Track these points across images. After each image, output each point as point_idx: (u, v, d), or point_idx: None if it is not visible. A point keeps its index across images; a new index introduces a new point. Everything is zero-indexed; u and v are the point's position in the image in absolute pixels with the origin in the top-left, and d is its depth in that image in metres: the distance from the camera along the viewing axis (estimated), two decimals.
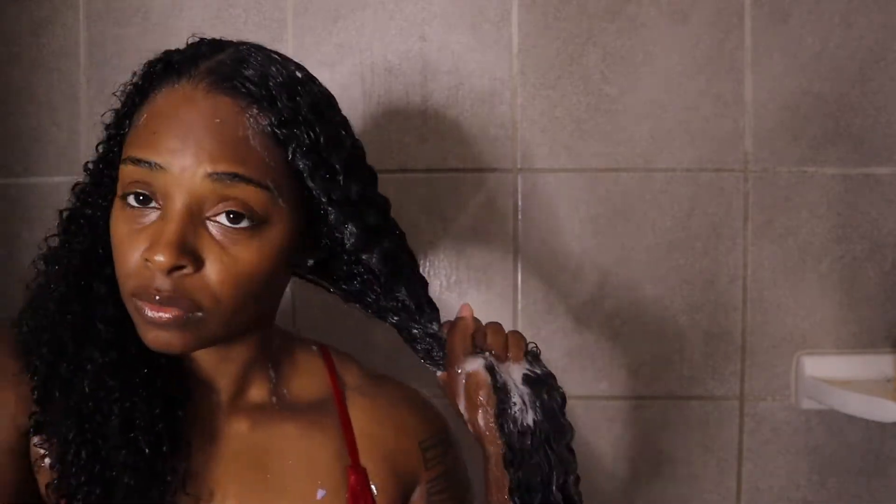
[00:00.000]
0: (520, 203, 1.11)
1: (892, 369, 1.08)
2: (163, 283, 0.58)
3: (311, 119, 0.62)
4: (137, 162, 0.59)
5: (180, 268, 0.58)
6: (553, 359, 1.12)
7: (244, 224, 0.59)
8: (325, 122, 0.64)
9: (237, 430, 0.69)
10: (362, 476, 0.72)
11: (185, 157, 0.58)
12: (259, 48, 0.65)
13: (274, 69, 0.63)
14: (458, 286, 1.11)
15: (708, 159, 1.10)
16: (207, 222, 0.59)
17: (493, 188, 1.10)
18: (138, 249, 0.59)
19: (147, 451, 0.61)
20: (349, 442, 0.73)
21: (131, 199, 0.60)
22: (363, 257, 0.67)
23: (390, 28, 1.10)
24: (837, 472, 1.12)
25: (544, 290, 1.11)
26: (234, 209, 0.59)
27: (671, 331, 1.11)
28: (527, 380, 0.69)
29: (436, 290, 1.10)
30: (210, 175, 0.58)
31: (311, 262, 0.69)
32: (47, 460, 0.61)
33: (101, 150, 0.68)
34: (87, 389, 0.61)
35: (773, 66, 1.09)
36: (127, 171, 0.60)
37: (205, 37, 0.67)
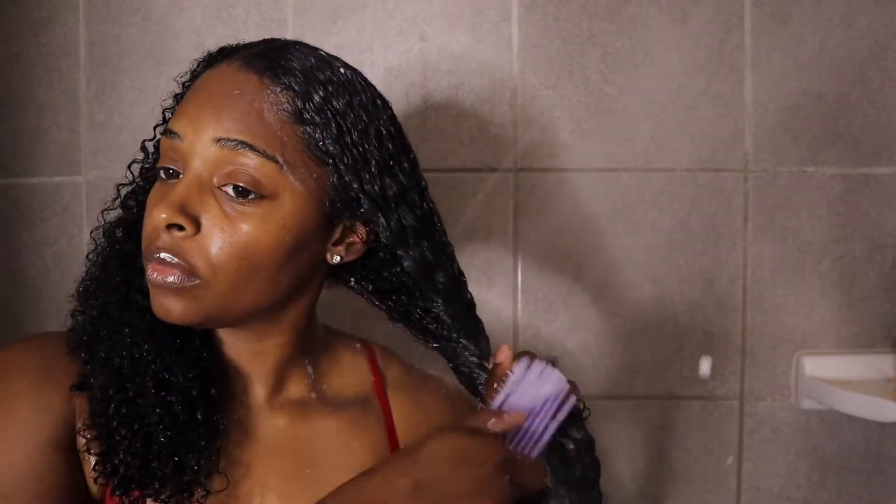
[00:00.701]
0: (520, 203, 1.11)
1: (892, 369, 1.08)
2: (163, 240, 0.61)
3: (343, 111, 0.63)
4: (165, 133, 0.64)
5: (180, 228, 0.60)
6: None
7: (250, 197, 0.61)
8: (361, 120, 0.64)
9: (277, 425, 0.70)
10: None
11: (198, 123, 0.61)
12: (311, 48, 0.66)
13: (315, 63, 0.64)
14: None
15: (708, 159, 1.10)
16: (217, 191, 0.61)
17: (493, 188, 1.10)
18: (156, 207, 0.62)
19: (180, 412, 0.63)
20: (391, 438, 0.73)
21: (162, 174, 0.64)
22: (399, 253, 0.67)
23: (390, 28, 1.10)
24: (837, 472, 1.12)
25: (544, 290, 1.11)
26: (239, 182, 0.60)
27: (671, 331, 1.11)
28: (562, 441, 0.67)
29: None
30: (217, 140, 0.61)
31: (339, 257, 0.68)
32: (92, 451, 0.62)
33: (158, 132, 0.70)
34: (125, 351, 0.64)
35: (773, 66, 1.09)
36: (161, 145, 0.65)
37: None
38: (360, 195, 0.64)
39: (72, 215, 1.12)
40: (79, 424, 0.63)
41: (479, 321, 0.70)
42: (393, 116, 0.68)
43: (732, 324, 1.11)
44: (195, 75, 0.67)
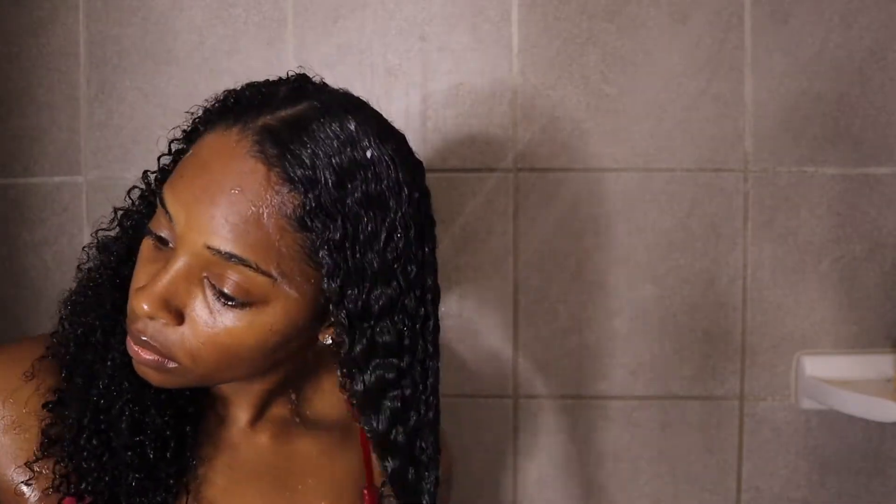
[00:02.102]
0: (520, 203, 1.11)
1: (892, 369, 1.08)
2: (143, 325, 0.58)
3: (355, 212, 0.57)
4: (161, 202, 0.58)
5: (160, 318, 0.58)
6: (553, 359, 1.12)
7: (237, 301, 0.57)
8: (373, 219, 0.58)
9: (258, 447, 0.69)
10: (375, 496, 0.72)
11: (192, 218, 0.56)
12: (340, 113, 0.59)
13: (337, 146, 0.57)
14: (458, 286, 1.11)
15: (708, 159, 1.10)
16: (205, 281, 0.57)
17: (493, 188, 1.10)
18: (142, 280, 0.59)
19: (152, 455, 0.62)
20: (367, 465, 0.73)
21: (154, 237, 0.59)
22: (354, 371, 0.61)
23: (390, 28, 1.10)
24: (837, 472, 1.12)
25: (544, 290, 1.11)
26: (225, 290, 0.57)
27: (671, 331, 1.11)
28: None
29: None
30: (209, 248, 0.56)
31: (331, 339, 0.63)
32: (31, 490, 0.62)
33: (163, 162, 0.66)
34: (103, 383, 0.62)
35: (773, 66, 1.09)
36: (158, 207, 0.59)
37: (302, 72, 0.64)
38: (336, 309, 0.59)
39: (72, 215, 1.12)
40: (18, 463, 0.62)
41: (421, 449, 0.66)
42: (418, 199, 0.62)
43: (732, 324, 1.11)
44: (209, 120, 0.61)
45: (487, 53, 1.10)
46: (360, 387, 0.62)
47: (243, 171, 0.55)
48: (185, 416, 0.65)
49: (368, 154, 0.58)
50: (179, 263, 0.57)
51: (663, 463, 1.13)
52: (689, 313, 1.11)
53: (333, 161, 0.56)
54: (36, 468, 0.62)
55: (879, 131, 1.10)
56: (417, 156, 0.65)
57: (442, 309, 0.67)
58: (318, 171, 0.56)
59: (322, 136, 0.57)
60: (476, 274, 1.11)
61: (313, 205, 0.56)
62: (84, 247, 0.69)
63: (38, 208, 1.12)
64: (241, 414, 0.70)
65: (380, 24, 1.10)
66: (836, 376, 1.08)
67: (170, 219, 0.57)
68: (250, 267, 0.56)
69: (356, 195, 0.57)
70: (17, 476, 0.62)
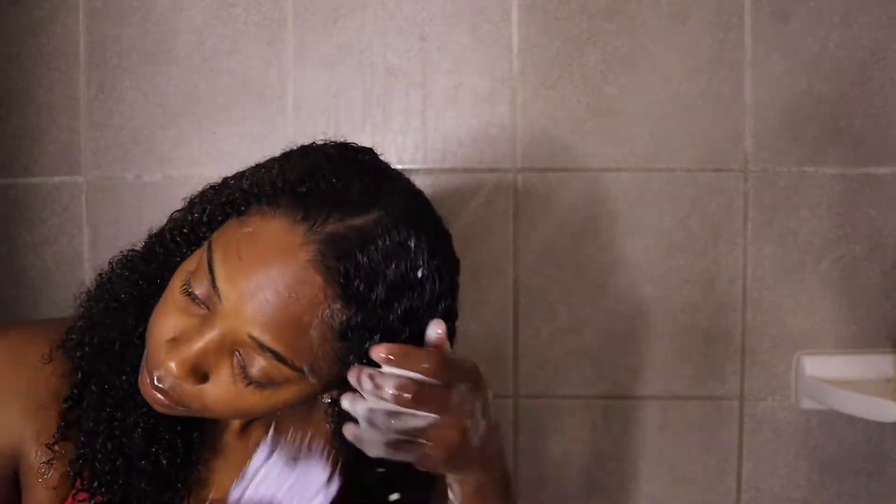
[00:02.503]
0: (520, 203, 1.11)
1: (892, 369, 1.07)
2: (164, 378, 0.59)
3: (394, 327, 0.59)
4: (210, 272, 0.58)
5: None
6: (553, 359, 1.12)
7: (258, 383, 0.59)
8: (407, 331, 0.60)
9: (249, 450, 0.70)
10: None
11: (242, 305, 0.57)
12: (405, 229, 0.59)
13: (393, 265, 0.58)
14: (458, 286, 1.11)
15: (708, 159, 1.10)
16: (234, 355, 0.59)
17: (493, 188, 1.10)
18: (171, 329, 0.59)
19: (165, 463, 0.64)
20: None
21: (190, 290, 0.60)
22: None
23: (390, 28, 1.10)
24: (837, 472, 1.12)
25: (544, 290, 1.11)
26: (252, 372, 0.58)
27: (671, 331, 1.11)
28: None
29: None
30: (252, 337, 0.57)
31: (330, 399, 0.67)
32: (49, 470, 0.64)
33: (208, 205, 0.64)
34: (117, 397, 0.64)
35: (773, 66, 1.09)
36: (203, 264, 0.59)
37: (376, 155, 0.65)
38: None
39: (72, 215, 1.12)
40: (40, 442, 0.64)
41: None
42: (450, 302, 0.64)
43: (732, 324, 1.11)
44: (273, 190, 0.59)
45: (487, 53, 1.10)
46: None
47: (303, 280, 0.56)
48: (193, 424, 0.67)
49: (419, 274, 0.59)
50: (214, 335, 0.58)
51: (663, 463, 1.13)
52: (689, 313, 1.11)
53: (388, 280, 0.58)
54: (56, 449, 0.64)
55: (879, 131, 1.10)
56: (455, 255, 0.66)
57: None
58: (371, 290, 0.57)
59: (383, 254, 0.58)
60: (476, 274, 1.11)
61: (359, 321, 0.57)
62: (110, 260, 0.68)
63: (37, 208, 1.12)
64: (234, 421, 0.71)
65: (380, 24, 1.10)
66: (836, 376, 1.08)
67: (217, 294, 0.57)
68: (285, 363, 0.57)
69: (399, 312, 0.59)
70: (39, 456, 0.64)
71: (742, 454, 1.13)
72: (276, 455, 0.63)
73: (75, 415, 0.64)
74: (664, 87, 1.09)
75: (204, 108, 1.10)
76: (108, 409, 0.64)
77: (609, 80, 1.10)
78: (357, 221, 0.58)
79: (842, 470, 1.12)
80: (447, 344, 0.62)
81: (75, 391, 0.65)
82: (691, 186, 1.10)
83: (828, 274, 1.11)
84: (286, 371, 0.58)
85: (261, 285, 0.56)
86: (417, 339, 0.60)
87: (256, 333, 0.57)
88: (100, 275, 0.68)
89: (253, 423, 0.72)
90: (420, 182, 1.05)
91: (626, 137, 1.10)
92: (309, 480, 0.63)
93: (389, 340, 0.58)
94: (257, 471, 0.63)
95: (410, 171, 1.09)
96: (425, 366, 0.58)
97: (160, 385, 0.59)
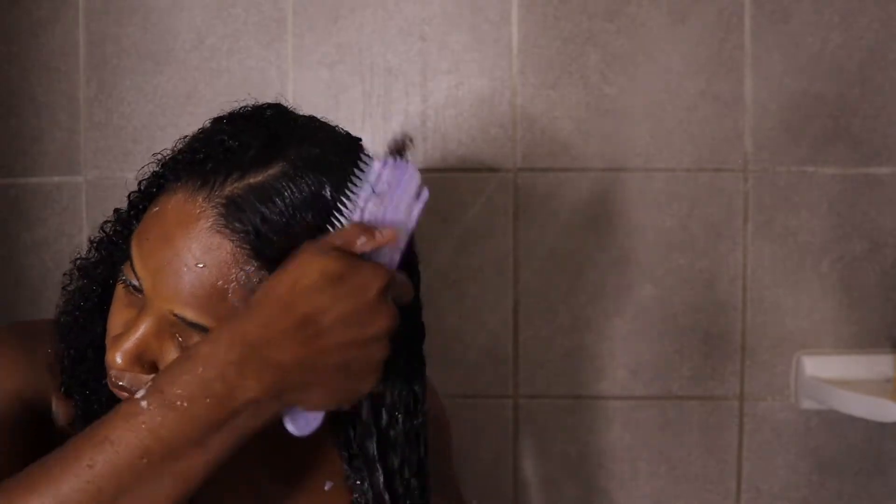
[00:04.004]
0: (520, 203, 1.11)
1: (892, 369, 1.07)
2: (119, 374, 0.59)
3: None
4: (130, 259, 0.58)
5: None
6: (553, 359, 1.12)
7: None
8: None
9: (262, 443, 0.70)
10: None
11: (160, 287, 0.56)
12: (314, 176, 0.56)
13: (310, 215, 0.55)
14: (458, 286, 1.11)
15: (708, 159, 1.10)
16: (176, 337, 0.58)
17: (493, 188, 1.10)
18: (119, 325, 0.59)
19: None
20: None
21: (126, 281, 0.60)
22: None
23: (390, 28, 1.10)
24: (837, 472, 1.12)
25: (544, 290, 1.11)
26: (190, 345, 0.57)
27: (671, 331, 1.11)
28: None
29: (436, 289, 1.10)
30: (174, 315, 0.56)
31: None
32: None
33: (135, 195, 0.65)
34: (99, 403, 0.63)
35: (773, 66, 1.09)
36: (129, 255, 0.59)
37: (277, 102, 0.63)
38: None
39: (71, 215, 1.12)
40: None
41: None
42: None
43: (732, 324, 1.11)
44: (174, 172, 0.59)
45: (487, 53, 1.10)
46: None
47: (209, 248, 0.55)
48: None
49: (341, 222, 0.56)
50: (149, 322, 0.57)
51: (663, 463, 1.13)
52: (689, 313, 1.11)
53: (303, 227, 0.55)
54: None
55: (879, 131, 1.10)
56: None
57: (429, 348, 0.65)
58: (285, 243, 0.55)
59: (292, 206, 0.55)
60: (476, 274, 1.11)
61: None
62: (65, 273, 0.69)
63: (37, 208, 1.12)
64: None
65: (380, 24, 1.10)
66: (836, 376, 1.08)
67: (138, 279, 0.57)
68: None
69: None
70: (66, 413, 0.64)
71: (742, 454, 1.13)
72: (389, 165, 0.55)
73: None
74: (664, 87, 1.09)
75: (204, 108, 1.10)
76: (96, 412, 0.63)
77: (609, 80, 1.10)
78: (257, 178, 0.56)
79: (842, 470, 1.12)
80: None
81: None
82: (691, 186, 1.10)
83: (828, 274, 1.11)
84: None
85: (169, 261, 0.55)
86: None
87: (178, 310, 0.56)
88: (63, 287, 0.68)
89: None
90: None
91: (626, 137, 1.10)
92: (417, 186, 0.56)
93: None
94: (377, 183, 0.55)
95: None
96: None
97: (120, 383, 0.59)
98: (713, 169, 1.10)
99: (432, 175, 1.10)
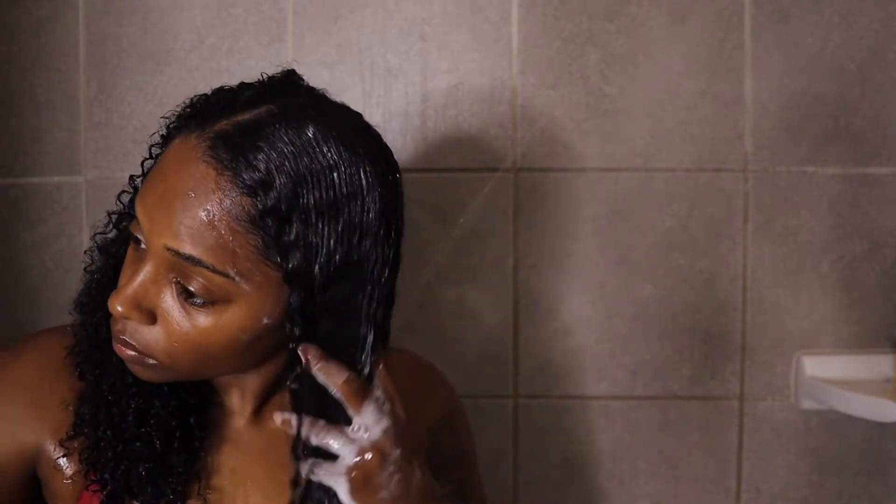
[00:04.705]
0: (520, 203, 1.11)
1: (892, 369, 1.08)
2: (122, 326, 0.62)
3: (310, 215, 0.58)
4: (132, 207, 0.62)
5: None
6: (553, 359, 1.12)
7: (202, 301, 0.59)
8: (329, 222, 0.59)
9: (263, 435, 0.71)
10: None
11: (154, 223, 0.59)
12: (299, 118, 0.59)
13: (291, 151, 0.58)
14: (458, 286, 1.11)
15: (708, 159, 1.10)
16: (173, 282, 0.60)
17: (493, 188, 1.10)
18: (121, 280, 0.62)
19: (159, 445, 0.64)
20: None
21: (133, 239, 0.63)
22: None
23: (390, 28, 1.10)
24: (837, 472, 1.12)
25: (544, 290, 1.11)
26: (190, 287, 0.59)
27: (671, 331, 1.11)
28: None
29: (436, 289, 1.11)
30: (168, 249, 0.59)
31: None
32: (67, 464, 0.66)
33: (145, 162, 0.68)
34: (112, 379, 0.65)
35: (773, 66, 1.09)
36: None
37: (273, 75, 0.65)
38: (297, 303, 0.60)
39: (72, 215, 1.12)
40: (58, 438, 0.66)
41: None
42: (385, 203, 0.62)
43: (732, 324, 1.11)
44: (177, 128, 0.63)
45: (487, 53, 1.10)
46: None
47: (195, 176, 0.58)
48: (188, 408, 0.67)
49: (326, 160, 0.59)
50: (148, 266, 0.60)
51: (663, 463, 1.13)
52: (689, 313, 1.11)
53: (287, 166, 0.58)
54: (71, 444, 0.65)
55: (879, 131, 1.10)
56: (390, 159, 0.65)
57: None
58: (270, 176, 0.57)
59: (277, 141, 0.58)
60: (476, 274, 1.11)
61: (263, 207, 0.57)
62: (85, 251, 0.71)
63: (37, 208, 1.12)
64: (244, 405, 0.71)
65: (380, 23, 1.10)
66: (836, 376, 1.08)
67: (137, 222, 0.60)
68: (207, 268, 0.58)
69: (311, 199, 0.58)
70: (57, 451, 0.66)
71: (742, 454, 1.13)
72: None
73: (88, 407, 0.66)
74: (664, 87, 1.09)
75: None
76: (104, 395, 0.65)
77: (609, 80, 1.10)
78: (246, 116, 0.60)
79: (842, 470, 1.12)
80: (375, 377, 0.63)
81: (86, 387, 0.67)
82: (691, 186, 1.10)
83: (828, 274, 1.11)
84: (216, 279, 0.58)
85: (164, 196, 0.58)
86: (348, 231, 0.59)
87: (170, 243, 0.58)
88: (84, 269, 0.70)
89: (265, 408, 0.71)
90: (420, 182, 1.05)
91: (626, 137, 1.10)
92: None
93: (308, 229, 0.58)
94: None
95: (410, 171, 1.09)
96: (339, 383, 0.60)
97: (122, 337, 0.61)
98: (713, 169, 1.10)
99: (432, 175, 1.10)
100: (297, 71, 0.67)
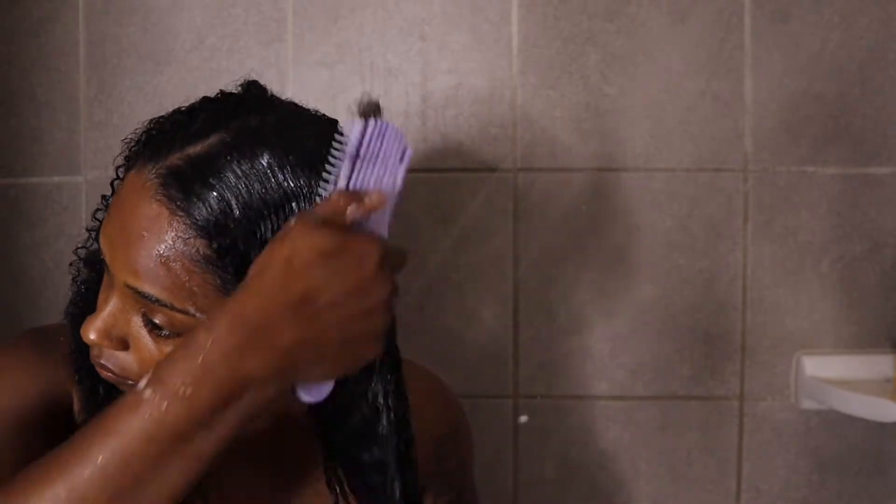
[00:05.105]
0: (520, 203, 1.11)
1: (892, 369, 1.07)
2: (98, 351, 0.61)
3: (267, 237, 0.55)
4: (97, 236, 0.62)
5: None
6: (553, 359, 1.12)
7: (167, 333, 0.58)
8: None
9: (255, 435, 0.70)
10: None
11: (114, 258, 0.58)
12: (251, 147, 0.56)
13: (244, 185, 0.55)
14: (458, 286, 1.11)
15: (708, 159, 1.10)
16: (141, 314, 0.59)
17: (493, 188, 1.10)
18: (98, 305, 0.61)
19: None
20: None
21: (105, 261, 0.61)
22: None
23: (390, 28, 1.10)
24: (837, 472, 1.12)
25: (544, 290, 1.11)
26: (155, 320, 0.58)
27: (671, 331, 1.11)
28: None
29: (436, 289, 1.10)
30: (128, 286, 0.57)
31: None
32: None
33: (114, 182, 0.67)
34: (105, 388, 0.64)
35: (773, 66, 1.09)
36: None
37: (230, 91, 0.63)
38: None
39: (71, 215, 1.12)
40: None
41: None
42: None
43: (732, 324, 1.11)
44: (135, 155, 0.61)
45: (487, 53, 1.10)
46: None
47: (149, 216, 0.56)
48: None
49: (283, 189, 0.56)
50: (115, 297, 0.59)
51: (663, 463, 1.13)
52: (689, 313, 1.11)
53: (241, 200, 0.55)
54: None
55: (879, 131, 1.10)
56: None
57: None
58: (223, 214, 0.55)
59: (229, 174, 0.55)
60: (476, 274, 1.11)
61: (218, 247, 0.55)
62: (70, 262, 0.71)
63: (37, 208, 1.12)
64: None
65: (380, 23, 1.10)
66: (836, 376, 1.08)
67: (104, 255, 0.60)
68: (165, 305, 0.57)
69: (269, 233, 0.55)
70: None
71: (742, 454, 1.13)
72: (369, 128, 0.54)
73: (86, 415, 0.66)
74: (664, 87, 1.09)
75: None
76: (101, 402, 0.64)
77: (609, 80, 1.09)
78: (196, 149, 0.57)
79: (842, 470, 1.12)
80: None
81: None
82: (691, 186, 1.10)
83: (828, 274, 1.11)
84: (177, 316, 0.57)
85: (119, 232, 0.58)
86: None
87: (130, 281, 0.57)
88: (73, 279, 0.71)
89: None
90: (420, 182, 1.05)
91: (626, 137, 1.10)
92: (401, 145, 0.56)
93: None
94: (358, 147, 0.54)
95: (411, 170, 1.09)
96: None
97: (100, 361, 0.61)
98: (713, 169, 1.10)
99: (432, 175, 1.10)
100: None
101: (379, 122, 0.54)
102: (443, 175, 1.10)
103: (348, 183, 0.54)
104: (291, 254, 0.50)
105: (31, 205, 1.12)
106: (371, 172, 0.54)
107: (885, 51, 1.09)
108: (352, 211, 0.52)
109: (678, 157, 1.10)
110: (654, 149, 1.10)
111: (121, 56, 1.10)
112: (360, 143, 0.54)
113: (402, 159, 0.55)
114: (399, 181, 0.55)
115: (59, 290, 1.12)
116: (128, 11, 1.10)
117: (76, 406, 0.66)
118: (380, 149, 0.55)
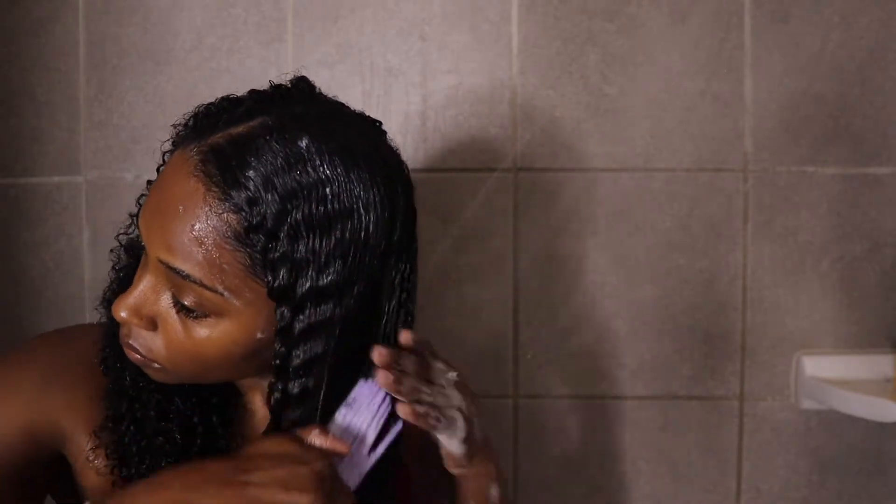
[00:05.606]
0: (520, 203, 1.11)
1: (892, 369, 1.08)
2: (127, 330, 0.63)
3: (298, 232, 0.57)
4: (137, 215, 0.63)
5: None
6: (553, 359, 1.12)
7: (196, 314, 0.59)
8: (319, 239, 0.57)
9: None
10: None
11: (150, 234, 0.59)
12: (292, 131, 0.58)
13: (281, 165, 0.56)
14: (458, 286, 1.11)
15: (708, 159, 1.10)
16: (171, 294, 0.60)
17: (493, 188, 1.10)
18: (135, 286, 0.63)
19: (180, 440, 0.65)
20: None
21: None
22: (284, 380, 0.62)
23: (390, 28, 1.10)
24: (837, 472, 1.12)
25: (544, 290, 1.11)
26: (183, 301, 0.59)
27: (671, 331, 1.11)
28: None
29: (436, 289, 1.10)
30: (161, 261, 0.59)
31: None
32: (97, 457, 0.66)
33: (159, 165, 0.68)
34: (132, 376, 0.66)
35: (773, 66, 1.09)
36: None
37: (281, 83, 0.63)
38: (283, 322, 0.60)
39: (71, 215, 1.12)
40: (90, 430, 0.66)
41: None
42: (385, 219, 0.60)
43: (732, 324, 1.11)
44: (180, 139, 0.62)
45: (487, 53, 1.10)
46: (284, 393, 0.63)
47: (186, 191, 0.57)
48: (210, 407, 0.68)
49: (318, 174, 0.57)
50: (148, 275, 0.61)
51: (663, 463, 1.13)
52: (689, 313, 1.11)
53: (275, 180, 0.56)
54: (102, 437, 0.66)
55: (879, 131, 1.10)
56: (399, 175, 0.64)
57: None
58: (257, 191, 0.56)
59: (267, 154, 0.57)
60: (476, 274, 1.11)
61: (249, 224, 0.56)
62: (111, 249, 0.71)
63: (37, 208, 1.12)
64: (266, 407, 0.70)
65: (380, 23, 1.10)
66: (836, 376, 1.08)
67: (139, 232, 0.61)
68: (196, 283, 0.58)
69: (300, 215, 0.57)
70: (88, 443, 0.66)
71: (742, 454, 1.13)
72: (370, 386, 0.63)
73: (110, 404, 0.67)
74: (664, 87, 1.09)
75: None
76: (127, 391, 0.66)
77: (609, 80, 1.10)
78: (239, 129, 0.58)
79: (842, 470, 1.12)
80: (418, 345, 0.66)
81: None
82: (691, 186, 1.10)
83: (828, 274, 1.11)
84: (205, 294, 0.58)
85: (159, 209, 0.59)
86: (341, 248, 0.58)
87: (163, 256, 0.58)
88: (112, 267, 0.71)
89: None
90: (420, 182, 1.05)
91: (626, 137, 1.10)
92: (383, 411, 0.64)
93: (296, 247, 0.57)
94: (355, 399, 0.63)
95: (411, 170, 1.09)
96: (408, 365, 0.63)
97: (128, 341, 0.62)
98: (713, 169, 1.10)
99: (432, 175, 1.10)
100: (295, 73, 0.66)
101: (371, 383, 0.62)
102: (443, 175, 1.10)
103: (341, 421, 0.63)
104: (251, 445, 0.60)
105: (31, 205, 1.12)
106: (353, 420, 0.63)
107: (885, 51, 1.09)
108: (314, 436, 0.60)
109: (678, 157, 1.10)
110: (654, 149, 1.10)
111: (121, 56, 1.10)
112: (353, 392, 0.63)
113: (388, 426, 0.64)
114: (378, 447, 0.63)
115: (59, 290, 1.12)
116: (128, 11, 1.10)
117: (76, 438, 0.67)
118: (364, 405, 0.63)
